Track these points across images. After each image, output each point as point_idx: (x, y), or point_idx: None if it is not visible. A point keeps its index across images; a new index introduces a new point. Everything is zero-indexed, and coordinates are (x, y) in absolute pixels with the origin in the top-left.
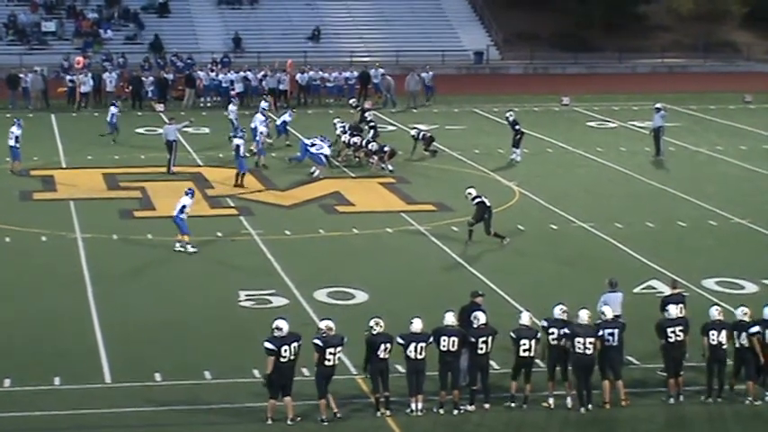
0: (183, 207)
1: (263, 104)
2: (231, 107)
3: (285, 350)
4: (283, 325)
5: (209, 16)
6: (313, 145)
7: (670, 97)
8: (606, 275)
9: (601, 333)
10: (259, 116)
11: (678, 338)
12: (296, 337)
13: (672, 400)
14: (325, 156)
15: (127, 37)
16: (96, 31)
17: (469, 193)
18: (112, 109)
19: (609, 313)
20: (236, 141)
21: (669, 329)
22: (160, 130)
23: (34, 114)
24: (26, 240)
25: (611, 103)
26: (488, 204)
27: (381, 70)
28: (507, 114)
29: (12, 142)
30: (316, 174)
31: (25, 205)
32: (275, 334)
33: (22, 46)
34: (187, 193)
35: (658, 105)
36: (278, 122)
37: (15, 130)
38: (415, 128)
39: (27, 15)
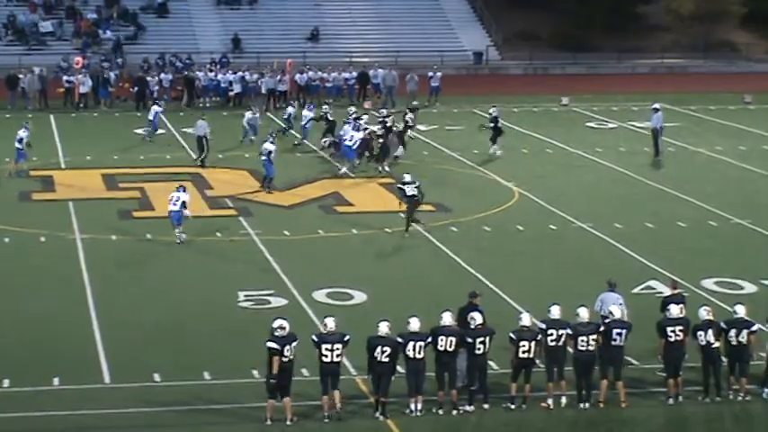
0: (184, 202)
1: (290, 110)
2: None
3: (287, 350)
4: (286, 324)
5: (209, 16)
6: (344, 139)
7: (670, 97)
8: (605, 276)
9: (603, 330)
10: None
11: (678, 338)
12: (294, 337)
13: (671, 401)
14: (357, 144)
15: (126, 37)
16: (95, 32)
17: (403, 178)
18: (155, 108)
19: (617, 313)
20: (268, 146)
21: (669, 329)
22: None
23: (33, 115)
24: (25, 241)
25: (610, 104)
26: (409, 194)
27: (381, 70)
28: (491, 110)
29: (16, 144)
30: (342, 171)
31: (24, 206)
32: (277, 333)
33: (21, 46)
34: (179, 189)
35: (656, 105)
36: (292, 119)
37: (22, 133)
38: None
39: (26, 16)
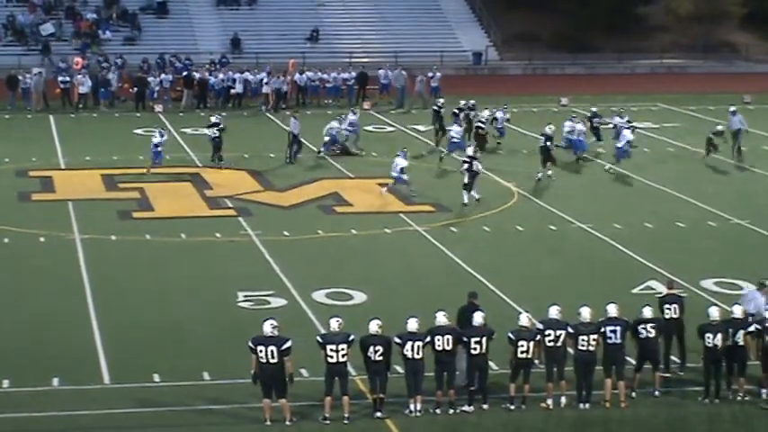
0: (402, 168)
1: (351, 117)
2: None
3: (261, 350)
4: (266, 326)
5: (208, 17)
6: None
7: (669, 98)
8: (605, 276)
9: (603, 330)
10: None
11: (650, 335)
12: (280, 340)
13: (633, 394)
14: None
15: (125, 38)
16: (95, 32)
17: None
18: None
19: (612, 312)
20: (157, 138)
21: (641, 326)
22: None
23: (33, 116)
24: (25, 241)
25: (609, 104)
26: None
27: (391, 71)
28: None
29: (154, 146)
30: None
31: (24, 206)
32: (265, 333)
33: (20, 47)
34: (399, 155)
35: (733, 108)
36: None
37: (158, 137)
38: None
39: (25, 16)
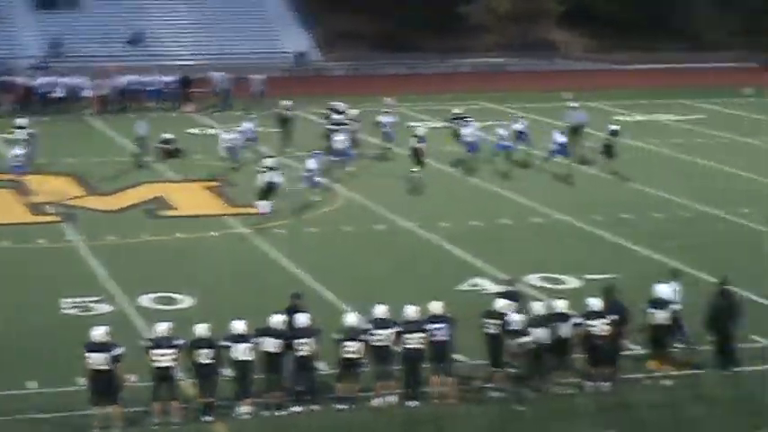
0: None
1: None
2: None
3: (91, 357)
4: (97, 332)
5: (28, 21)
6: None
7: (492, 96)
8: (432, 274)
9: (428, 328)
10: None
11: (491, 332)
12: (111, 347)
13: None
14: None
15: None
16: None
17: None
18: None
19: (436, 309)
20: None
21: (484, 320)
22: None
23: None
24: None
25: (433, 103)
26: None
27: (216, 73)
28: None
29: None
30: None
31: None
32: (93, 340)
33: None
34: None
35: (575, 104)
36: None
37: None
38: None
39: None
